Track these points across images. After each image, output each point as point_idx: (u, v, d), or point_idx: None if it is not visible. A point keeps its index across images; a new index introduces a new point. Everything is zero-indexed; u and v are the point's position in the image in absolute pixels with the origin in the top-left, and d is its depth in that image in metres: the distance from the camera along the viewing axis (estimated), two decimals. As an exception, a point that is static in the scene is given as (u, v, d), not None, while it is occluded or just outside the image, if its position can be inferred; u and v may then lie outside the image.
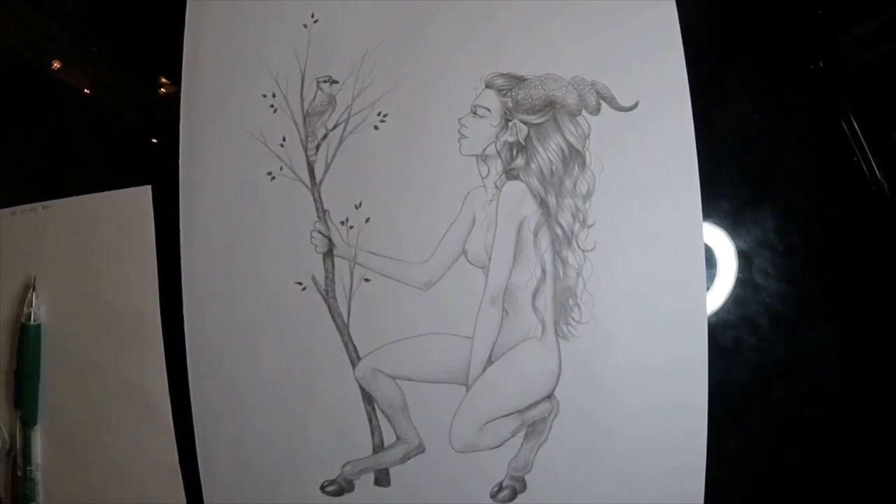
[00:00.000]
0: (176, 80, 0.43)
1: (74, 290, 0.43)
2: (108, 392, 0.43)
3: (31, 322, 0.43)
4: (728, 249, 0.41)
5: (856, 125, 0.42)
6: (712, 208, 0.41)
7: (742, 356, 0.41)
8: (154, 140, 0.44)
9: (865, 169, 0.42)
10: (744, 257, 0.41)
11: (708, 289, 0.41)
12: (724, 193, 0.41)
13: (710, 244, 0.41)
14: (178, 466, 0.42)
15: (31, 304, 0.43)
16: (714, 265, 0.41)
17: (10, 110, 0.47)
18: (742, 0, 0.44)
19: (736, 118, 0.43)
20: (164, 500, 0.42)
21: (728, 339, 0.41)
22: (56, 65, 0.47)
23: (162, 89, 0.45)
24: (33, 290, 0.43)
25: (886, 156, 0.41)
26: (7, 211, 0.44)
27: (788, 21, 0.44)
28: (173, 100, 0.43)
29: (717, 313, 0.41)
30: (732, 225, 0.41)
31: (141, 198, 0.43)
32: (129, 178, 0.44)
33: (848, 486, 0.41)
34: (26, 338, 0.43)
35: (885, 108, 0.43)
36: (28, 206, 0.44)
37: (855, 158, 0.42)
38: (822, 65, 0.43)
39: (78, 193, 0.44)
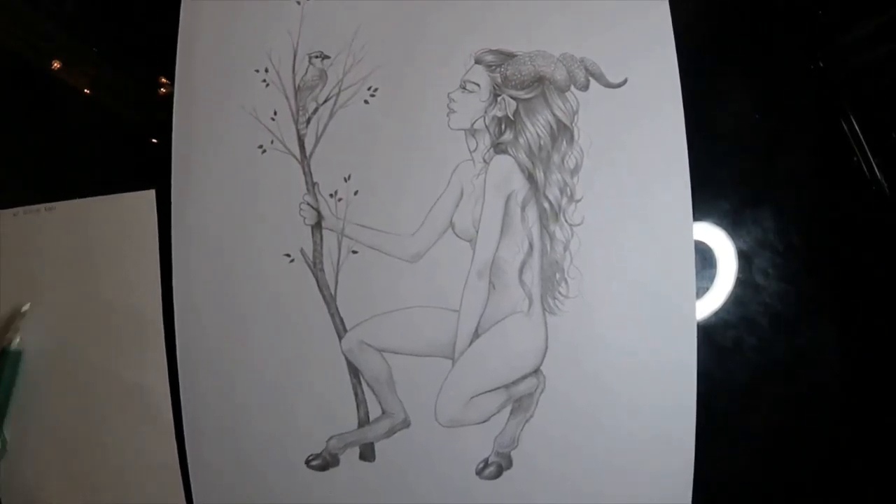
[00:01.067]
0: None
1: (76, 292, 0.43)
2: (108, 393, 0.43)
3: (11, 349, 0.42)
4: (728, 249, 0.41)
5: (856, 125, 0.42)
6: (712, 208, 0.41)
7: (742, 356, 0.41)
8: (154, 140, 0.44)
9: (865, 169, 0.42)
10: (744, 257, 0.41)
11: (708, 289, 0.41)
12: (723, 193, 0.41)
13: (709, 244, 0.41)
14: (178, 466, 0.42)
15: (17, 330, 0.42)
16: (714, 265, 0.41)
17: (10, 110, 0.47)
18: (742, 0, 0.44)
19: (736, 118, 0.43)
20: (164, 500, 0.42)
21: (728, 338, 0.41)
22: (56, 65, 0.47)
23: (162, 90, 0.45)
24: (21, 318, 0.42)
25: (886, 156, 0.41)
26: (9, 212, 0.44)
27: (788, 21, 0.44)
28: (175, 101, 0.43)
29: (717, 313, 0.41)
30: (732, 225, 0.41)
31: (145, 202, 0.43)
32: (133, 179, 0.44)
33: (848, 486, 0.41)
34: (5, 363, 0.42)
35: (885, 108, 0.43)
36: (31, 208, 0.44)
37: (855, 158, 0.42)
38: (822, 65, 0.43)
39: (81, 195, 0.44)
